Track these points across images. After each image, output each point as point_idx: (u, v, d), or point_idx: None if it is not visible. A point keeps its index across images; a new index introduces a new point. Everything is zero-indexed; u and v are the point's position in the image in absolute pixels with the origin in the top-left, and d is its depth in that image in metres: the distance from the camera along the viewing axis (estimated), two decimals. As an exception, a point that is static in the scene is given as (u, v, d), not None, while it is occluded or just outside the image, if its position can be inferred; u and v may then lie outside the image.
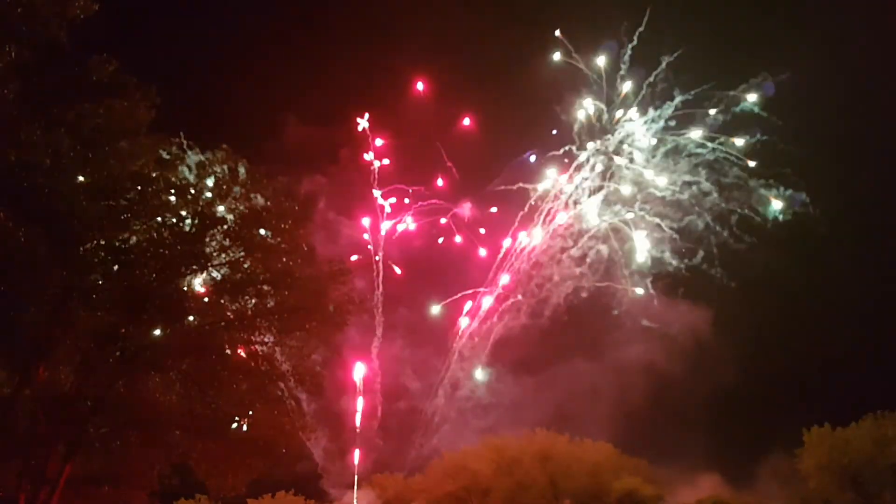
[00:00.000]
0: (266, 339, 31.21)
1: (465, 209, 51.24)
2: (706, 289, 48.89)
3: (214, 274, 30.35)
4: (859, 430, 43.26)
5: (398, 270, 51.10)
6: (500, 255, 51.16)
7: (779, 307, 48.27)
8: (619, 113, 49.28)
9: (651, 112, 48.40)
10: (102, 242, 26.82)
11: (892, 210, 47.62)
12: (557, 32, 49.07)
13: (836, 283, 48.28)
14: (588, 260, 50.12)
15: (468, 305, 51.95)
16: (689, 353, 48.23)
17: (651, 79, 48.34)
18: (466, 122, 51.69)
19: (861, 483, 42.32)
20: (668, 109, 48.03)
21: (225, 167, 30.92)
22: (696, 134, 48.09)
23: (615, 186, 49.77)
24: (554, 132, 49.34)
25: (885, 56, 46.24)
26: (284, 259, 31.64)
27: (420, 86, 51.92)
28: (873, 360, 47.59)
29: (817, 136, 47.35)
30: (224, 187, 30.85)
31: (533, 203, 50.82)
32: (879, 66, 47.07)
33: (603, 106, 49.13)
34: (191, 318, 29.37)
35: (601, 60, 49.12)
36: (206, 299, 30.02)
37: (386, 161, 52.09)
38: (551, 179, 50.32)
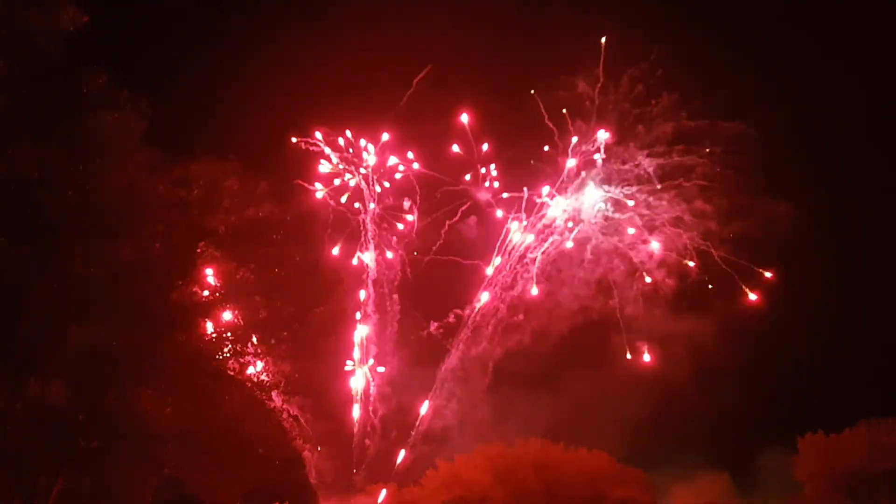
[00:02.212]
0: (258, 351, 31.18)
1: (472, 224, 51.11)
2: (706, 301, 49.07)
3: (206, 285, 30.36)
4: (853, 436, 43.29)
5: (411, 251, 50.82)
6: (498, 273, 51.16)
7: (775, 314, 48.36)
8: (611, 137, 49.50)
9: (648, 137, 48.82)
10: (93, 256, 26.69)
11: (888, 222, 47.89)
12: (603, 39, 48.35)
13: (832, 290, 48.45)
14: (591, 280, 50.24)
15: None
16: (687, 364, 48.26)
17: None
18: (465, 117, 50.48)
19: (856, 490, 42.35)
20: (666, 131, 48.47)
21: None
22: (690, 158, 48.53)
23: (614, 211, 49.92)
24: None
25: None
26: (277, 270, 31.69)
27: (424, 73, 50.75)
28: (866, 366, 47.73)
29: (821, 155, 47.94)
30: (216, 199, 30.88)
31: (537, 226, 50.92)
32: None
33: (606, 135, 49.28)
34: (182, 330, 29.25)
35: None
36: (197, 311, 29.91)
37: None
38: (554, 206, 50.48)
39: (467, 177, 50.74)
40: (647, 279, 49.42)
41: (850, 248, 48.27)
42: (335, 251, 49.55)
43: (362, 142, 50.78)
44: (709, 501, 45.50)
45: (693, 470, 47.36)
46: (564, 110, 48.91)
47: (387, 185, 51.15)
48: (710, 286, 48.61)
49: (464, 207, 50.55)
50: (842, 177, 48.78)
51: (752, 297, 47.87)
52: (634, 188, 49.24)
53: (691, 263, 48.74)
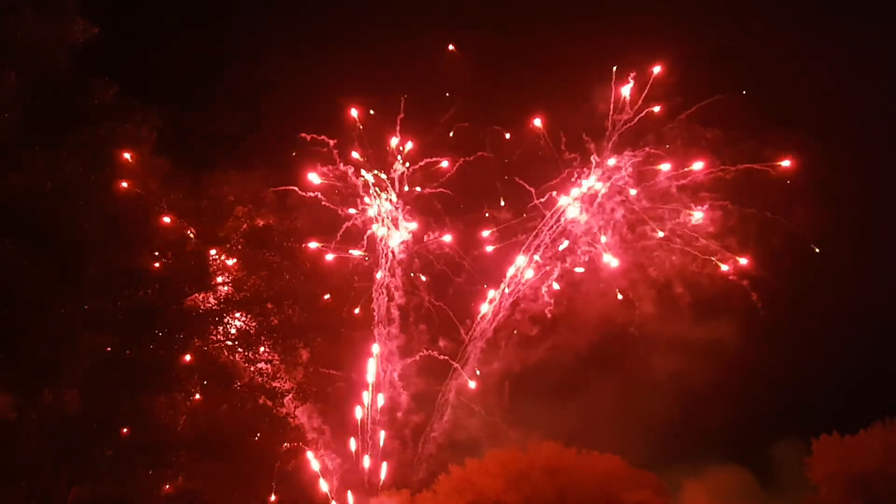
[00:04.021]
0: (270, 358, 31.26)
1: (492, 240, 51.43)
2: (720, 307, 49.07)
3: (218, 293, 30.48)
4: (869, 437, 42.98)
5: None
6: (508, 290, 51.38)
7: (786, 315, 48.22)
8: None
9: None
10: (106, 264, 26.87)
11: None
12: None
13: (842, 290, 48.24)
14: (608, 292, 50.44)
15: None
16: (701, 367, 48.17)
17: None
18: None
19: (871, 491, 42.01)
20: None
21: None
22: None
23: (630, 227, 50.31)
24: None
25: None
26: (288, 277, 31.79)
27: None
28: (882, 366, 47.45)
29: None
30: (227, 207, 31.06)
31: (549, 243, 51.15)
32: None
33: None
34: (195, 338, 29.39)
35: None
36: (209, 319, 30.03)
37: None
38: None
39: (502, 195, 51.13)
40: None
41: (867, 250, 48.11)
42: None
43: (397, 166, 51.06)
44: (722, 498, 45.42)
45: (706, 468, 47.29)
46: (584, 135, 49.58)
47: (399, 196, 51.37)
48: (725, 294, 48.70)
49: (487, 235, 51.02)
50: (860, 185, 48.70)
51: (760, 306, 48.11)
52: (653, 205, 49.60)
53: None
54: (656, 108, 48.31)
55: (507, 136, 50.17)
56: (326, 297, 36.23)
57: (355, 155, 50.02)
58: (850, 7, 47.80)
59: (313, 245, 36.69)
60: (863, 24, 47.82)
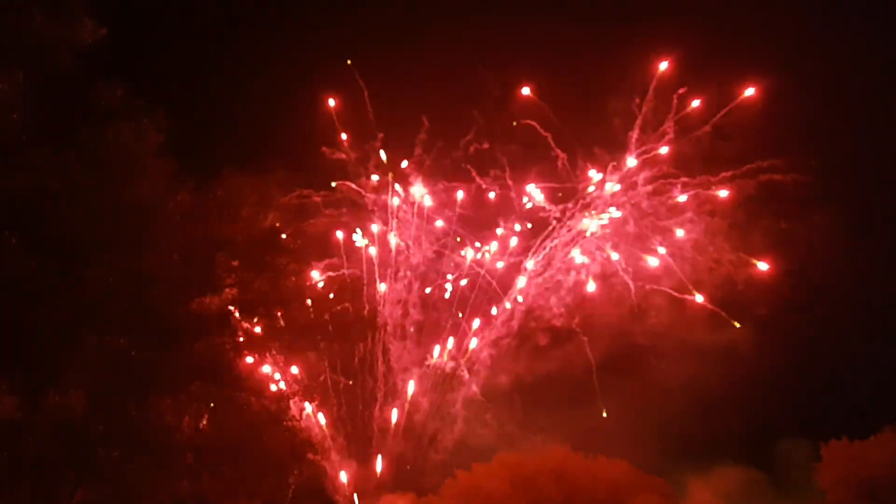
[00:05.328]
0: (277, 360, 31.22)
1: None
2: (731, 311, 49.14)
3: (224, 295, 30.44)
4: (878, 442, 42.88)
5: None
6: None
7: (797, 321, 48.12)
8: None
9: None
10: (112, 266, 26.80)
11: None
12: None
13: (853, 295, 48.17)
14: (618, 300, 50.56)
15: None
16: (711, 372, 48.12)
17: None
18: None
19: (880, 496, 41.87)
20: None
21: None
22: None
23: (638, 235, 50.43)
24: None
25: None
26: (294, 278, 31.76)
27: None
28: (892, 372, 47.31)
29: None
30: (234, 208, 31.03)
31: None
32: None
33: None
34: (201, 339, 29.30)
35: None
36: (215, 320, 29.97)
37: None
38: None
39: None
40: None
41: (879, 254, 48.05)
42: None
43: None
44: (730, 500, 45.43)
45: (715, 471, 47.29)
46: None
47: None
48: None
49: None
50: (874, 191, 48.76)
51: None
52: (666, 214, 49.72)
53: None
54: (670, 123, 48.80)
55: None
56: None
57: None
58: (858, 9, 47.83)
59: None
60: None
